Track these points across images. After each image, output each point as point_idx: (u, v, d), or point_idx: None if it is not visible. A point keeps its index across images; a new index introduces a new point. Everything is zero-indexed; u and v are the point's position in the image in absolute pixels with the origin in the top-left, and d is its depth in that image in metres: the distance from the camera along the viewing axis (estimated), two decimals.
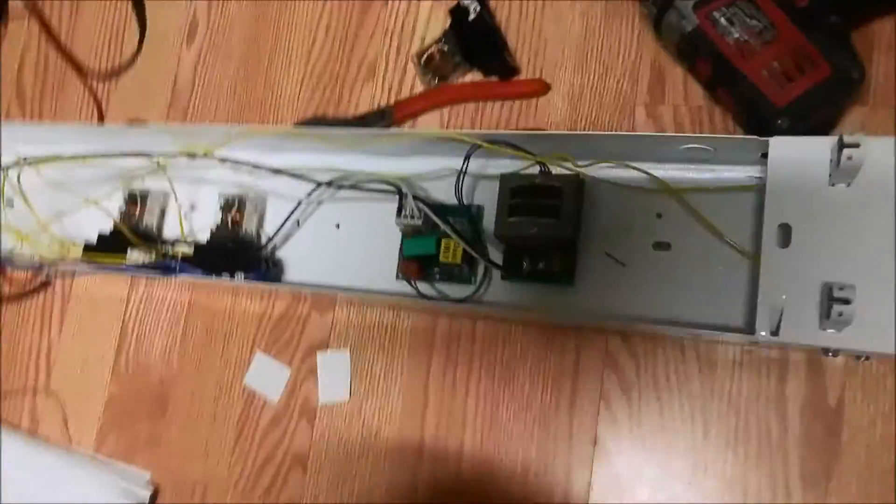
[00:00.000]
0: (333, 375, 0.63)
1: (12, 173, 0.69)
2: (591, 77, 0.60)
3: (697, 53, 0.51)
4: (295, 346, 0.65)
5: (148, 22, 0.79)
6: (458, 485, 0.58)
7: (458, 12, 0.60)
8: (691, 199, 0.53)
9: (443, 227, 0.56)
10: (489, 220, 0.58)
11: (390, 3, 0.68)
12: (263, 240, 0.65)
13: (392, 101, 0.66)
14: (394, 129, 0.62)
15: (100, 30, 0.82)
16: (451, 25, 0.61)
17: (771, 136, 0.48)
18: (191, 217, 0.70)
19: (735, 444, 0.52)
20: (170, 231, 0.70)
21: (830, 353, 0.48)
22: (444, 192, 0.60)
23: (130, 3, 0.79)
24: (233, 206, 0.65)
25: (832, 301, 0.43)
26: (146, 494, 0.67)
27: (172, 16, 0.78)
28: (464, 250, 0.57)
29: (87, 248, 0.68)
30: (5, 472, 0.71)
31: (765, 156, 0.49)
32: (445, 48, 0.62)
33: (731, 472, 0.51)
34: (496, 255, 0.58)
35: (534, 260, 0.56)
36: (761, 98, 0.48)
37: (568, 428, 0.56)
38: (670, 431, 0.53)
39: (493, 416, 0.58)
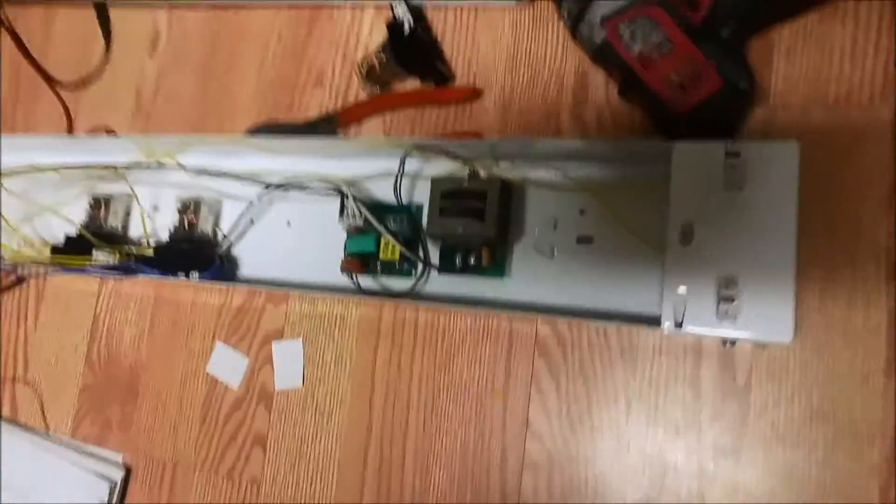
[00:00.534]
0: (288, 363, 0.61)
1: None
2: (521, 82, 0.57)
3: (608, 63, 0.49)
4: (252, 336, 0.63)
5: (113, 33, 0.75)
6: (404, 463, 0.56)
7: (393, 25, 0.57)
8: (611, 196, 0.51)
9: (380, 230, 0.54)
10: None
11: (336, 13, 0.65)
12: (219, 238, 0.62)
13: (339, 105, 0.63)
14: (334, 138, 0.60)
15: (69, 42, 0.79)
16: (388, 37, 0.58)
17: (674, 139, 0.46)
18: (154, 217, 0.67)
19: (655, 422, 0.50)
20: (135, 230, 0.67)
21: (728, 343, 0.46)
22: (386, 192, 0.58)
23: (96, 15, 0.75)
24: (189, 207, 0.62)
25: (720, 299, 0.41)
26: (119, 474, 0.65)
27: (136, 27, 0.75)
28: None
29: (55, 250, 0.66)
30: None
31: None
32: (384, 57, 0.59)
33: (650, 448, 0.50)
34: (435, 250, 0.56)
35: (465, 255, 0.54)
36: (663, 106, 0.46)
37: (502, 410, 0.54)
38: (595, 412, 0.52)
39: (435, 399, 0.56)
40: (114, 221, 0.66)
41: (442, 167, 0.56)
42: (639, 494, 0.50)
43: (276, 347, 0.62)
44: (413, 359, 0.58)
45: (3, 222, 0.67)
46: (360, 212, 0.55)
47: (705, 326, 0.44)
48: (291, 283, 0.61)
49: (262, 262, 0.63)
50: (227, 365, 0.64)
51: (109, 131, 0.72)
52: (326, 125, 0.62)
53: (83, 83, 0.76)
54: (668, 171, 0.50)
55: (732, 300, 0.42)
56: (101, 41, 0.76)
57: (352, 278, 0.57)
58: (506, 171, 0.54)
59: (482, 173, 0.53)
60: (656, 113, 0.48)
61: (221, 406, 0.63)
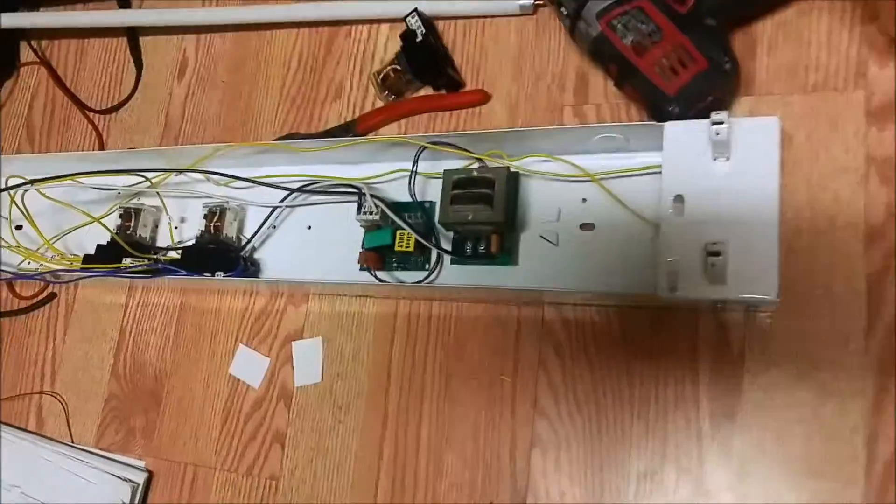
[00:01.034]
0: (307, 361, 0.72)
1: (18, 194, 0.79)
2: (526, 85, 0.69)
3: (604, 56, 0.61)
4: (273, 337, 0.74)
5: (143, 61, 0.90)
6: (418, 449, 0.65)
7: (407, 35, 0.70)
8: (610, 183, 0.62)
9: (395, 218, 0.65)
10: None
11: (353, 30, 0.78)
12: (243, 242, 0.75)
13: (356, 116, 0.76)
14: (351, 139, 0.72)
15: (101, 71, 0.94)
16: (402, 48, 0.71)
17: (666, 121, 0.57)
18: (181, 228, 0.79)
19: (656, 397, 0.59)
20: (162, 241, 0.79)
21: (719, 306, 0.56)
22: (399, 193, 0.69)
23: (128, 45, 0.91)
24: (215, 214, 0.74)
25: (708, 255, 0.51)
26: (141, 480, 0.75)
27: (164, 54, 0.89)
28: (416, 240, 0.66)
29: (87, 259, 0.78)
30: (11, 471, 0.80)
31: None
32: (399, 67, 0.72)
33: (653, 422, 0.59)
34: (447, 244, 0.66)
35: (476, 244, 0.64)
36: (655, 89, 0.57)
37: (511, 392, 0.64)
38: (600, 390, 0.61)
39: (448, 385, 0.66)
40: (143, 232, 0.78)
41: (451, 166, 0.66)
42: (643, 466, 0.59)
43: (297, 346, 0.72)
44: (427, 349, 0.67)
45: (37, 234, 0.80)
46: (378, 207, 0.67)
47: (697, 290, 0.53)
48: (311, 281, 0.71)
49: (283, 265, 0.73)
50: (249, 366, 0.74)
51: None
52: (344, 133, 0.74)
53: (114, 110, 0.90)
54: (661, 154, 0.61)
55: (713, 258, 0.50)
56: (133, 69, 0.91)
57: (370, 272, 0.67)
58: (512, 165, 0.65)
59: (490, 166, 0.65)
60: (649, 97, 0.58)
61: (242, 406, 0.73)
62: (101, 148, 0.89)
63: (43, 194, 0.81)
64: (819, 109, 0.58)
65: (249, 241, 0.74)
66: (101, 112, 0.91)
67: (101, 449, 0.79)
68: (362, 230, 0.69)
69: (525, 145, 0.64)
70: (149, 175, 0.78)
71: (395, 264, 0.68)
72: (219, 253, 0.73)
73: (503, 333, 0.65)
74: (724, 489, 0.55)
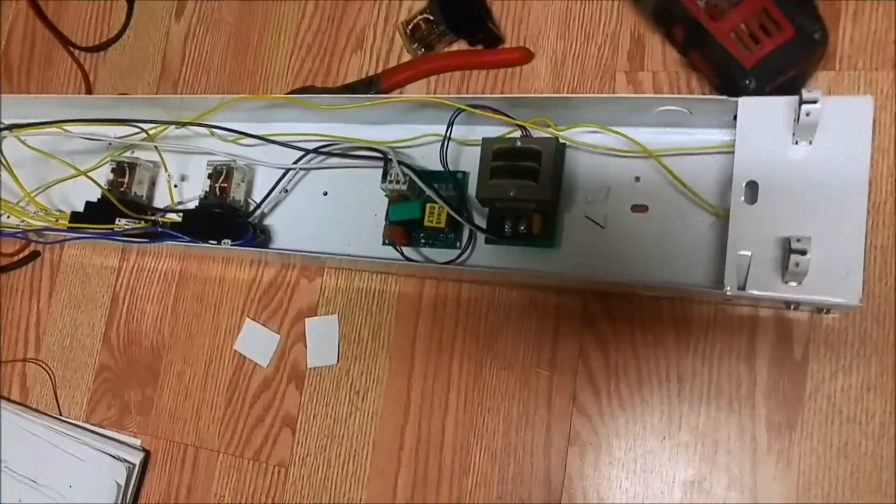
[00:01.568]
0: (322, 340, 0.69)
1: None
2: (573, 45, 0.65)
3: (672, 19, 0.56)
4: (284, 313, 0.71)
5: None
6: (443, 442, 0.63)
7: None
8: (667, 162, 0.58)
9: (427, 190, 0.62)
10: (474, 188, 0.63)
11: None
12: (251, 207, 0.71)
13: (380, 70, 0.71)
14: (380, 96, 0.67)
15: (87, 3, 0.88)
16: None
17: (740, 96, 0.53)
18: (181, 187, 0.75)
19: (707, 399, 0.57)
20: (160, 202, 0.75)
21: (793, 307, 0.53)
22: (429, 160, 0.65)
23: None
24: (221, 174, 0.70)
25: (791, 252, 0.48)
26: (137, 460, 0.72)
27: None
28: (448, 215, 0.62)
29: (75, 217, 0.73)
30: None
31: (736, 118, 0.54)
32: (431, 18, 0.67)
33: (703, 425, 0.57)
34: (480, 222, 0.63)
35: (515, 223, 0.61)
36: (730, 59, 0.53)
37: (548, 385, 0.61)
38: (646, 387, 0.59)
39: (477, 375, 0.63)
40: (139, 190, 0.74)
41: (487, 133, 0.62)
42: (689, 473, 0.57)
43: (310, 324, 0.69)
44: (455, 335, 0.65)
45: (18, 187, 0.75)
46: (406, 175, 0.63)
47: (769, 289, 0.51)
48: (329, 253, 0.68)
49: (296, 234, 0.69)
50: (257, 343, 0.71)
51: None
52: (367, 89, 0.70)
53: (103, 48, 0.85)
54: (728, 133, 0.58)
55: (797, 257, 0.47)
56: (123, 3, 0.85)
57: (395, 248, 0.64)
58: (560, 136, 0.61)
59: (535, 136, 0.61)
60: (721, 68, 0.54)
61: (249, 386, 0.71)
62: (88, 91, 0.84)
63: (23, 142, 0.76)
64: None
65: (259, 205, 0.70)
66: (87, 50, 0.86)
67: (92, 424, 0.75)
68: (384, 198, 0.66)
69: (573, 114, 0.60)
70: (145, 126, 0.72)
71: (422, 240, 0.65)
72: (225, 218, 0.69)
73: (540, 322, 0.62)
74: None
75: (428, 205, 0.63)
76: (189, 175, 0.75)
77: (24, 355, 0.81)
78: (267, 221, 0.71)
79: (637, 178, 0.60)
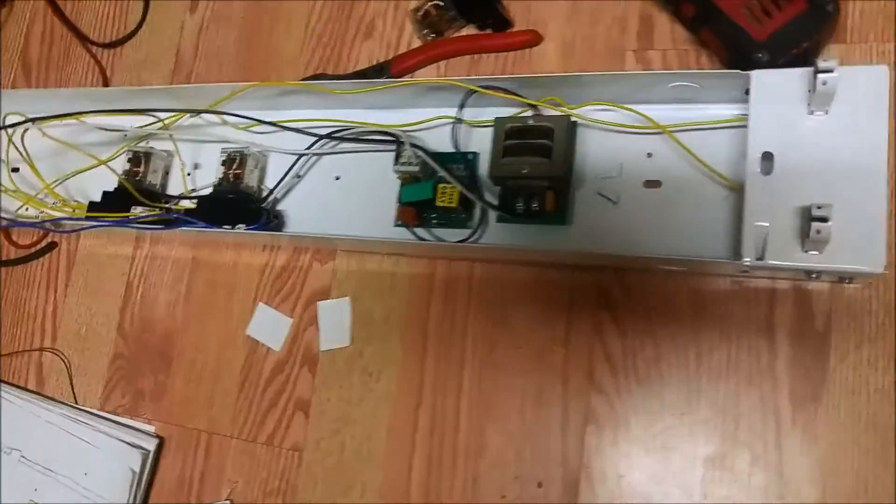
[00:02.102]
0: (334, 322, 0.66)
1: (17, 134, 0.72)
2: (582, 26, 0.63)
3: None
4: (297, 297, 0.68)
5: None
6: (458, 422, 0.60)
7: None
8: (681, 137, 0.56)
9: (438, 169, 0.59)
10: (484, 169, 0.61)
11: None
12: (265, 193, 0.68)
13: (390, 57, 0.69)
14: (391, 80, 0.65)
15: (104, 1, 0.86)
16: None
17: (752, 70, 0.51)
18: (195, 175, 0.73)
19: (727, 373, 0.54)
20: (174, 190, 0.73)
21: (814, 276, 0.50)
22: (440, 142, 0.63)
23: None
24: (234, 161, 0.68)
25: (812, 220, 0.46)
26: (151, 446, 0.70)
27: None
28: (460, 195, 0.59)
29: (92, 207, 0.71)
30: (10, 433, 0.74)
31: (748, 92, 0.51)
32: (441, 3, 0.65)
33: (723, 400, 0.54)
34: (492, 201, 0.60)
35: (528, 200, 0.58)
36: (742, 34, 0.51)
37: (563, 363, 0.58)
38: (664, 363, 0.56)
39: (491, 354, 0.60)
40: (153, 179, 0.72)
41: (498, 114, 0.60)
42: (710, 449, 0.54)
43: (323, 307, 0.67)
44: (468, 315, 0.62)
45: (38, 179, 0.73)
46: (418, 157, 0.60)
47: (789, 258, 0.48)
48: (342, 236, 0.65)
49: (309, 219, 0.67)
50: (269, 327, 0.68)
51: None
52: (378, 75, 0.68)
53: (119, 44, 0.83)
54: (739, 108, 0.55)
55: (818, 224, 0.45)
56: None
57: (408, 228, 0.62)
58: (571, 113, 0.59)
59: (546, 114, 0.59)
60: (733, 42, 0.52)
61: (262, 370, 0.68)
62: (105, 85, 0.82)
63: (45, 134, 0.74)
64: None
65: (272, 191, 0.67)
66: (104, 46, 0.84)
67: (107, 412, 0.73)
68: (395, 182, 0.63)
69: (585, 92, 0.58)
70: (161, 116, 0.70)
71: (434, 221, 0.62)
72: (239, 203, 0.67)
73: (554, 299, 0.59)
74: (806, 482, 0.50)
75: (440, 185, 0.60)
76: (201, 163, 0.73)
77: (40, 345, 0.78)
78: (280, 207, 0.68)
79: (649, 154, 0.58)
